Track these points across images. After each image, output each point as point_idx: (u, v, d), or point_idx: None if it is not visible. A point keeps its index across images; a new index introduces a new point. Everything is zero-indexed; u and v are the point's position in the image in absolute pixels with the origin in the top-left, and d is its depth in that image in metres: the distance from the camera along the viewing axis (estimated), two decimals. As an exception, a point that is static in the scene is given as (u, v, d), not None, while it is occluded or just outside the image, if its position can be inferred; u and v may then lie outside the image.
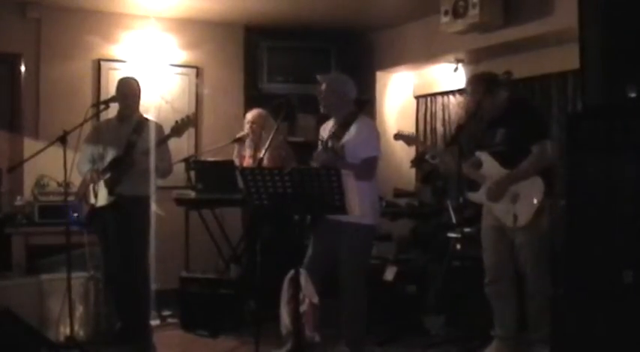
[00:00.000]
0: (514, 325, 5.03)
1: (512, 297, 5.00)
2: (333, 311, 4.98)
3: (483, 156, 5.05)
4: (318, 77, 5.09)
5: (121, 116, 5.47)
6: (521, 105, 5.21)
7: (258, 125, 6.38)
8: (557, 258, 4.92)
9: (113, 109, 5.51)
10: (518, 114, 4.97)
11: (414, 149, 7.86)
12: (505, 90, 5.06)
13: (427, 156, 5.41)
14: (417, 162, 6.33)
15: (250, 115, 6.47)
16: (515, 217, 4.77)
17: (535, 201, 4.74)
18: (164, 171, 5.42)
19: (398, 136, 5.46)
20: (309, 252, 4.94)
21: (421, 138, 7.71)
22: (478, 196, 5.09)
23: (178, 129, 5.25)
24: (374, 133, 5.06)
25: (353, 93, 5.12)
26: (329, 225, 4.76)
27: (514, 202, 4.81)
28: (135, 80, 5.52)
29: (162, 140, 5.29)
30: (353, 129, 4.94)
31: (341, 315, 5.01)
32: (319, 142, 5.14)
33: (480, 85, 5.02)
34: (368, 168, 4.87)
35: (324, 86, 5.04)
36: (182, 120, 5.26)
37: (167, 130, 5.35)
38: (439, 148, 6.31)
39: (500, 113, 5.03)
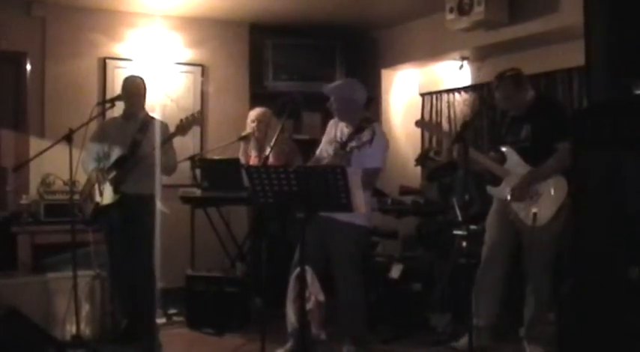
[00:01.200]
0: (493, 316, 5.04)
1: (498, 289, 5.01)
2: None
3: (508, 151, 5.05)
4: (324, 90, 5.07)
5: (127, 114, 5.47)
6: (550, 103, 5.21)
7: (264, 123, 6.36)
8: (561, 256, 4.92)
9: (119, 107, 5.51)
10: (545, 112, 4.97)
11: (420, 147, 7.89)
12: (532, 88, 5.07)
13: (431, 154, 5.41)
14: (422, 159, 6.34)
15: (255, 114, 6.45)
16: (535, 216, 4.77)
17: (557, 201, 4.74)
18: (169, 168, 5.41)
19: (419, 124, 5.46)
20: (298, 249, 4.91)
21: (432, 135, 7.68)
22: (499, 191, 5.08)
23: (183, 127, 5.24)
24: (383, 145, 5.03)
25: (363, 98, 5.13)
26: (319, 222, 4.71)
27: (535, 200, 4.82)
28: (140, 78, 5.52)
29: (167, 139, 5.29)
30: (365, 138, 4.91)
31: (338, 314, 5.02)
32: (329, 140, 5.13)
33: (510, 81, 5.01)
34: (368, 179, 4.87)
35: (332, 98, 5.04)
36: (187, 118, 5.25)
37: (172, 129, 5.36)
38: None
39: (527, 109, 5.03)
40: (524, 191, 4.88)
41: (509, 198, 4.97)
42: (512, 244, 5.03)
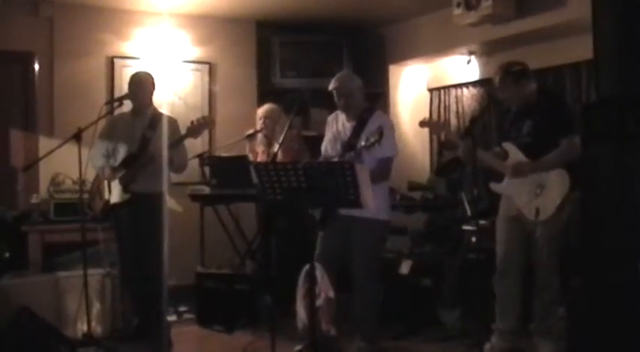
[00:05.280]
0: (516, 320, 5.02)
1: (519, 292, 4.98)
2: (349, 306, 4.99)
3: (510, 148, 5.00)
4: (330, 88, 5.05)
5: (135, 111, 5.47)
6: (552, 98, 5.14)
7: (271, 120, 6.37)
8: (570, 251, 4.89)
9: (127, 106, 5.52)
10: (547, 107, 4.90)
11: (428, 142, 7.87)
12: (534, 82, 5.01)
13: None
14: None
15: (263, 111, 6.46)
16: (538, 210, 4.74)
17: (559, 196, 4.71)
18: (179, 166, 5.42)
19: (424, 123, 5.43)
20: (319, 247, 4.92)
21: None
22: (502, 187, 5.05)
23: (194, 130, 5.23)
24: (390, 131, 5.00)
25: (361, 88, 5.12)
26: (342, 220, 4.74)
27: (538, 195, 4.78)
28: (147, 74, 5.53)
29: (178, 141, 5.29)
30: (370, 127, 4.90)
31: (355, 310, 5.02)
32: (333, 137, 5.13)
33: (508, 75, 4.96)
34: (384, 169, 4.89)
35: (335, 93, 5.04)
36: (197, 120, 5.24)
37: (182, 126, 5.37)
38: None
39: (529, 104, 4.98)
40: (521, 171, 4.84)
41: (508, 174, 4.94)
42: (525, 249, 4.97)
